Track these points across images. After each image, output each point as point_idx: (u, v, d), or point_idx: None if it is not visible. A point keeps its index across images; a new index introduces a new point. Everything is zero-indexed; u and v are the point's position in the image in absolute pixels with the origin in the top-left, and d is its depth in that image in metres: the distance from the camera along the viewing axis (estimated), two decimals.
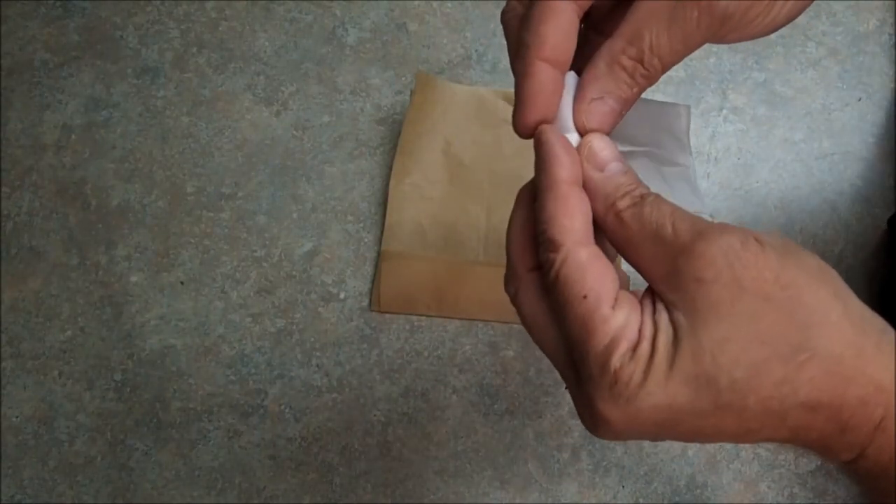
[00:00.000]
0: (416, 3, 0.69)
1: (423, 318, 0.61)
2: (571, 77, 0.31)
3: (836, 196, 0.65)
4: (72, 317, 0.61)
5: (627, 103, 0.31)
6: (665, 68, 0.30)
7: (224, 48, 0.68)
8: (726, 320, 0.26)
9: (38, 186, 0.65)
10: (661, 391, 0.26)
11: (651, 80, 0.30)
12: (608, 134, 0.31)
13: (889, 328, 0.27)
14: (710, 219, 0.28)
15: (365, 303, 0.61)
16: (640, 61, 0.30)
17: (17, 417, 0.59)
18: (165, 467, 0.58)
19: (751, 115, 0.66)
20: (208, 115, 0.67)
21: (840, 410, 0.26)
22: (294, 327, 0.61)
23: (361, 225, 0.63)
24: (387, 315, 0.61)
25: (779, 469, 0.57)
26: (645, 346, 0.26)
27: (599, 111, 0.30)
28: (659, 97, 0.67)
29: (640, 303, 0.28)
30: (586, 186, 0.30)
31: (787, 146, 0.65)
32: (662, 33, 0.29)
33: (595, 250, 0.28)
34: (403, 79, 0.67)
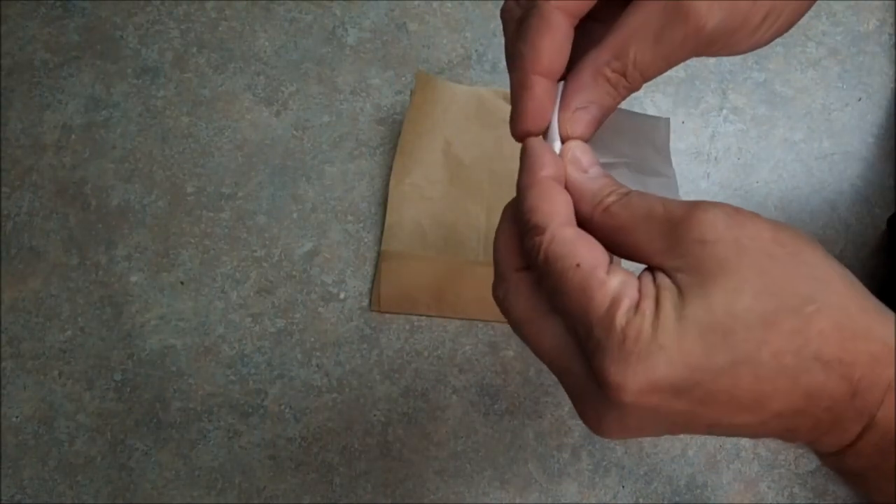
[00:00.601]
0: (416, 3, 0.69)
1: (423, 318, 0.61)
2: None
3: (836, 196, 0.65)
4: (72, 317, 0.61)
5: (608, 111, 0.32)
6: (646, 80, 0.31)
7: (224, 48, 0.68)
8: (734, 273, 0.26)
9: (38, 186, 0.65)
10: (675, 345, 0.25)
11: (632, 90, 0.32)
12: (587, 141, 0.32)
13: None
14: None
15: (365, 303, 0.61)
16: (624, 74, 0.31)
17: (17, 417, 0.59)
18: (165, 467, 0.58)
19: (751, 115, 0.66)
20: (208, 115, 0.67)
21: (852, 367, 0.26)
22: (294, 327, 0.61)
23: (361, 225, 0.63)
24: (387, 315, 0.61)
25: (779, 469, 0.57)
26: (649, 303, 0.26)
27: (583, 120, 0.32)
28: (659, 97, 0.67)
29: (639, 278, 0.28)
30: (571, 189, 0.30)
31: (787, 146, 0.65)
32: (647, 51, 0.30)
33: (580, 231, 0.29)
34: (403, 79, 0.67)
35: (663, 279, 0.27)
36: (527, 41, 0.31)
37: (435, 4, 0.69)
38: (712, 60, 0.68)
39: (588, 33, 0.32)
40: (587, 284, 0.27)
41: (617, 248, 0.29)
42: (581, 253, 0.28)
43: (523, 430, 0.58)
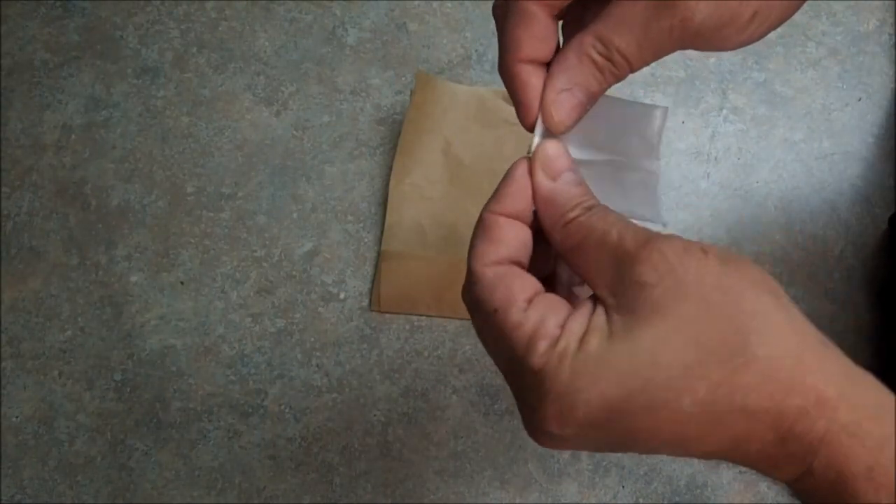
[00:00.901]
0: (416, 3, 0.69)
1: (423, 318, 0.61)
2: None
3: (836, 196, 0.65)
4: (72, 317, 0.61)
5: (594, 97, 0.31)
6: (633, 70, 0.31)
7: (224, 48, 0.68)
8: (665, 322, 0.26)
9: (38, 186, 0.65)
10: (592, 387, 0.26)
11: (619, 77, 0.31)
12: (570, 129, 0.32)
13: (829, 342, 0.27)
14: (662, 229, 0.29)
15: (365, 303, 0.61)
16: (610, 60, 0.30)
17: (17, 417, 0.59)
18: (165, 467, 0.58)
19: (751, 115, 0.66)
20: (208, 115, 0.67)
21: (780, 418, 0.25)
22: (294, 327, 0.61)
23: (361, 225, 0.63)
24: (387, 315, 0.61)
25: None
26: (570, 341, 0.26)
27: (568, 104, 0.31)
28: (659, 97, 0.67)
29: (579, 305, 0.28)
30: (539, 196, 0.30)
31: (787, 146, 0.65)
32: (633, 40, 0.29)
33: (505, 268, 0.29)
34: (403, 79, 0.67)
35: (598, 319, 0.27)
36: (506, 33, 0.31)
37: (435, 4, 0.69)
38: (712, 60, 0.68)
39: (579, 20, 0.32)
40: (503, 329, 0.28)
41: (572, 266, 0.30)
42: (497, 297, 0.28)
43: (523, 430, 0.58)
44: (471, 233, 0.68)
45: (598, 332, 0.26)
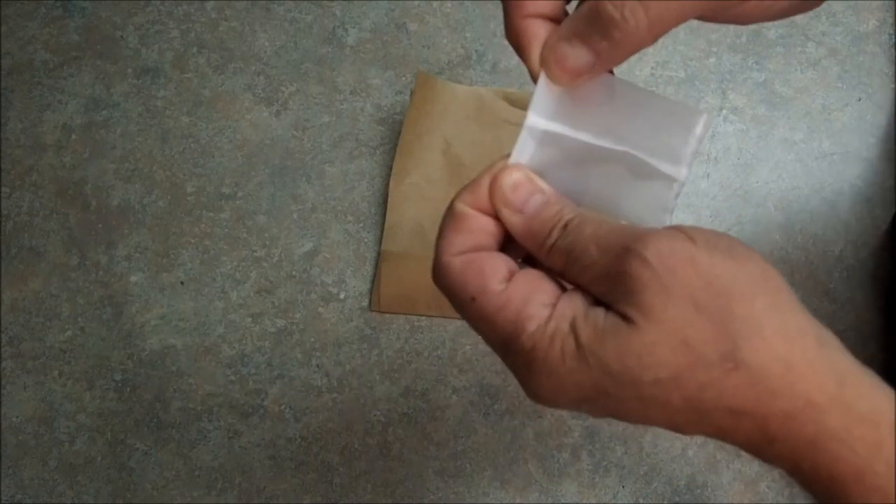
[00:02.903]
0: (416, 3, 0.69)
1: (423, 318, 0.61)
2: None
3: (836, 196, 0.65)
4: (72, 317, 0.61)
5: (600, 60, 0.28)
6: (653, 31, 0.27)
7: (224, 48, 0.68)
8: (655, 326, 0.25)
9: (38, 186, 0.65)
10: (584, 373, 0.26)
11: (630, 45, 0.28)
12: (574, 81, 0.29)
13: (830, 341, 0.26)
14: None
15: (365, 303, 0.61)
16: (623, 15, 0.27)
17: (17, 417, 0.59)
18: (165, 467, 0.58)
19: (751, 115, 0.66)
20: (208, 115, 0.67)
21: (765, 421, 0.25)
22: (294, 327, 0.61)
23: (361, 225, 0.63)
24: (387, 315, 0.61)
25: (779, 469, 0.57)
26: (560, 324, 0.27)
27: (570, 63, 0.28)
28: None
29: (565, 293, 0.28)
30: (513, 232, 0.29)
31: (787, 146, 0.65)
32: None
33: (473, 255, 0.28)
34: (403, 79, 0.67)
35: (597, 313, 0.27)
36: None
37: (435, 4, 0.69)
38: (712, 60, 0.68)
39: None
40: (484, 314, 0.27)
41: (568, 280, 0.29)
42: (471, 284, 0.28)
43: (523, 430, 0.58)
44: None
45: (592, 324, 0.26)
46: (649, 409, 0.26)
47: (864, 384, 0.26)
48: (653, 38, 0.28)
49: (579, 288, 0.28)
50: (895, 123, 0.65)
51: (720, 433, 0.26)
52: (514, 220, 0.29)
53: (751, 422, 0.26)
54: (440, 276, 0.29)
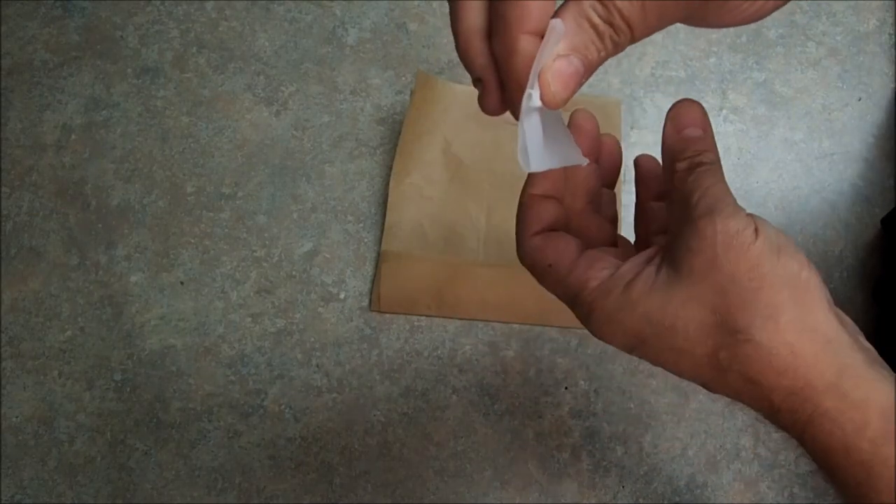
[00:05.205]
0: (416, 3, 0.69)
1: (423, 318, 0.61)
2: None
3: (836, 196, 0.65)
4: (72, 317, 0.61)
5: (591, 67, 0.30)
6: (635, 37, 0.30)
7: (224, 48, 0.68)
8: (696, 286, 0.30)
9: (38, 186, 0.65)
10: (629, 321, 0.32)
11: (619, 46, 0.30)
12: (566, 101, 0.30)
13: (844, 340, 0.30)
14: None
15: (365, 303, 0.61)
16: (611, 24, 0.29)
17: (17, 417, 0.59)
18: (165, 467, 0.58)
19: (751, 115, 0.66)
20: (208, 115, 0.67)
21: (771, 392, 0.30)
22: (294, 327, 0.61)
23: (361, 225, 0.63)
24: (387, 315, 0.61)
25: (779, 469, 0.57)
26: (617, 283, 0.32)
27: (565, 72, 0.29)
28: (659, 97, 0.67)
29: (643, 252, 0.34)
30: (665, 144, 0.34)
31: (787, 146, 0.65)
32: (636, 3, 0.28)
33: (548, 234, 0.35)
34: (403, 79, 0.67)
35: (650, 267, 0.32)
36: (511, 4, 0.29)
37: (435, 4, 0.69)
38: (712, 60, 0.68)
39: None
40: (558, 276, 0.34)
41: (667, 206, 0.34)
42: (549, 255, 0.34)
43: (523, 430, 0.58)
44: (470, 233, 0.69)
45: (644, 281, 0.32)
46: (681, 360, 0.31)
47: (863, 377, 0.30)
48: (640, 38, 0.30)
49: (669, 221, 0.34)
50: (895, 123, 0.65)
51: (737, 395, 0.31)
52: (671, 134, 0.34)
53: (759, 391, 0.30)
54: (524, 254, 0.35)
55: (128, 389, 0.60)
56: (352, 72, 0.67)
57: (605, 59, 0.30)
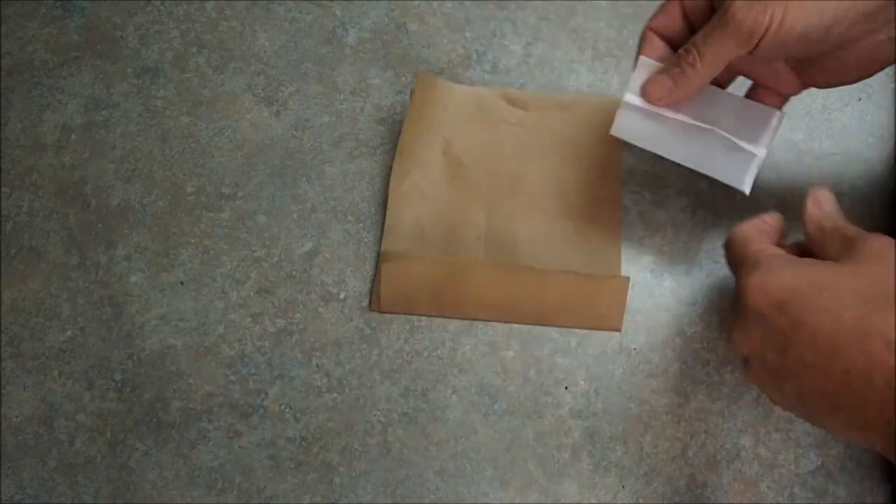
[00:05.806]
0: (416, 3, 0.69)
1: (423, 318, 0.61)
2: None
3: (836, 196, 0.64)
4: (72, 317, 0.61)
5: (678, 84, 0.46)
6: (708, 70, 0.45)
7: (224, 48, 0.68)
8: (850, 269, 0.39)
9: (38, 186, 0.65)
10: (789, 275, 0.39)
11: (696, 75, 0.46)
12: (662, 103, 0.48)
13: None
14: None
15: (365, 303, 0.61)
16: (688, 52, 0.45)
17: (17, 417, 0.59)
18: (165, 467, 0.58)
19: None
20: (208, 115, 0.67)
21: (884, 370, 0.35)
22: (294, 327, 0.61)
23: (361, 225, 0.63)
24: (387, 315, 0.61)
25: (779, 469, 0.57)
26: (781, 254, 0.43)
27: (658, 83, 0.48)
28: None
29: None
30: (809, 220, 0.46)
31: (787, 146, 0.65)
32: (703, 43, 0.44)
33: (753, 228, 0.47)
34: (403, 79, 0.67)
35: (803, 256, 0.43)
36: (653, 17, 0.49)
37: (435, 4, 0.69)
38: None
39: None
40: (747, 251, 0.44)
41: (811, 242, 0.46)
42: (753, 238, 0.45)
43: (523, 430, 0.58)
44: (470, 232, 0.68)
45: (797, 252, 0.44)
46: (823, 323, 0.37)
47: None
48: (709, 75, 0.47)
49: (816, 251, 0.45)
50: (895, 123, 0.65)
51: (868, 361, 0.36)
52: (814, 211, 0.47)
53: (872, 364, 0.35)
54: (734, 246, 0.46)
55: (128, 389, 0.60)
56: (352, 72, 0.68)
57: (691, 81, 0.47)
